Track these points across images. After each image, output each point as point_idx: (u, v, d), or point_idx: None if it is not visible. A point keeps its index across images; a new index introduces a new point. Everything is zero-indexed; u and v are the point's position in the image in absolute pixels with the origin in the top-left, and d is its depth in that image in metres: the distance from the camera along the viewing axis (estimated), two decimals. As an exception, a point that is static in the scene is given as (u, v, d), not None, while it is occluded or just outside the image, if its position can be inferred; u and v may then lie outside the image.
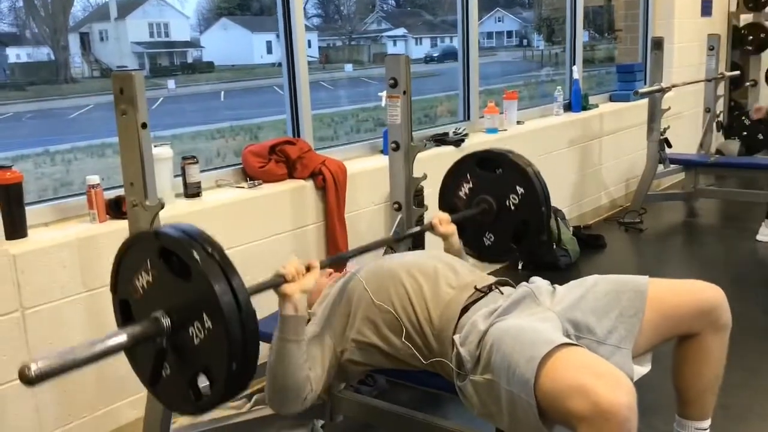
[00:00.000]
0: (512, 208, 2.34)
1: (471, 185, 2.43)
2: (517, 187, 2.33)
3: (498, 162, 2.40)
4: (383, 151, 3.35)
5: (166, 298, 1.42)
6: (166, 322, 1.40)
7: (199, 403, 1.42)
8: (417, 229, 2.28)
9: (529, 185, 2.31)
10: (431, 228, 2.26)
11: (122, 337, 1.37)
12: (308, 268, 1.73)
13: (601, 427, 1.37)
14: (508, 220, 2.36)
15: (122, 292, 1.54)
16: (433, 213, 2.34)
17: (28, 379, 1.19)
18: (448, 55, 16.70)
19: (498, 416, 1.60)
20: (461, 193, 2.45)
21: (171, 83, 12.79)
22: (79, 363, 1.28)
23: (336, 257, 1.88)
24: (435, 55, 18.06)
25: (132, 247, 1.51)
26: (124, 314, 1.54)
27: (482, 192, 2.40)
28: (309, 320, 1.88)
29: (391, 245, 2.54)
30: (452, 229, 2.27)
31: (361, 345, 1.87)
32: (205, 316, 1.34)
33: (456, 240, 2.27)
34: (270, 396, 1.80)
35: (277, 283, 1.69)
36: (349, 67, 16.70)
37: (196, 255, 1.34)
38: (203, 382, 1.40)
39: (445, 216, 2.28)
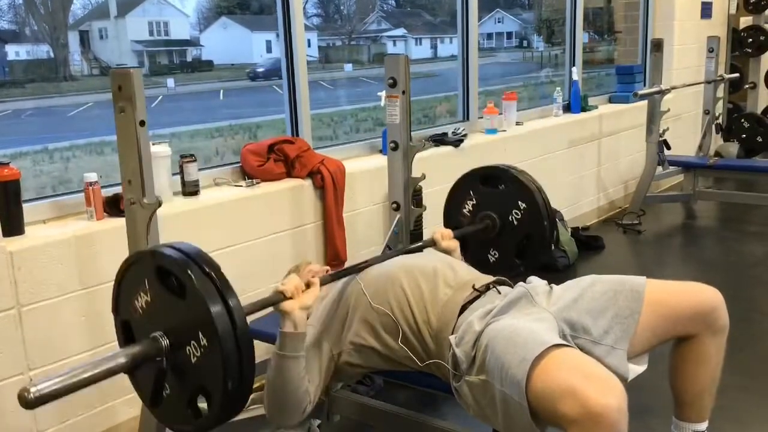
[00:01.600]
0: (515, 223, 2.35)
1: (474, 202, 2.45)
2: (520, 202, 2.34)
3: (500, 178, 2.41)
4: (382, 151, 3.35)
5: (165, 318, 1.42)
6: (164, 342, 1.40)
7: (198, 422, 1.42)
8: (419, 243, 2.30)
9: (531, 200, 2.32)
10: (433, 243, 2.25)
11: (122, 359, 1.38)
12: (308, 285, 1.74)
13: (590, 430, 1.37)
14: (511, 236, 2.37)
15: (123, 313, 1.54)
16: (436, 228, 2.33)
17: (27, 402, 1.20)
18: (274, 71, 14.63)
19: (493, 417, 1.60)
20: (465, 210, 2.46)
21: (170, 81, 12.75)
22: (80, 385, 1.29)
23: (336, 273, 1.91)
24: (260, 70, 14.74)
25: (131, 267, 1.51)
26: (127, 335, 1.55)
27: (485, 208, 2.41)
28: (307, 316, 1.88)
29: (388, 244, 2.54)
30: (455, 244, 2.26)
31: (359, 347, 1.87)
32: (200, 334, 1.34)
33: (458, 255, 2.26)
34: (269, 410, 1.81)
35: (276, 300, 1.69)
36: (348, 66, 16.68)
37: (191, 273, 1.35)
38: (203, 402, 1.40)
39: (447, 231, 2.27)
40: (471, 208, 2.45)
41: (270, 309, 1.92)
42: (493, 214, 2.40)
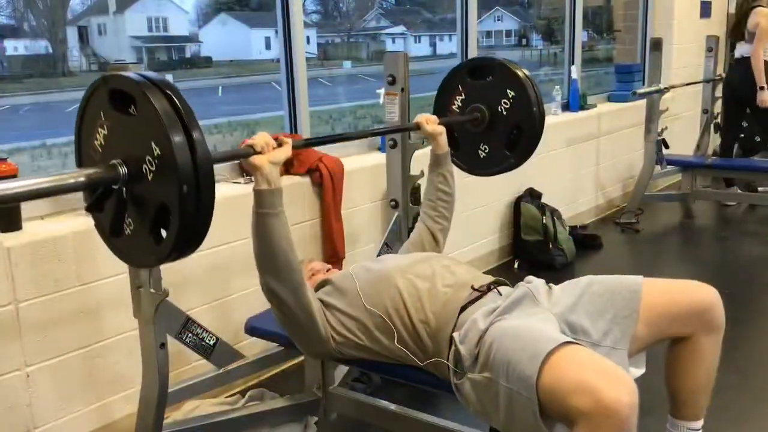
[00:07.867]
0: (505, 113, 2.31)
1: (463, 96, 2.40)
2: (509, 91, 2.29)
3: (489, 68, 2.37)
4: (380, 149, 3.34)
5: (121, 145, 1.41)
6: (123, 169, 1.39)
7: (160, 248, 1.40)
8: (403, 126, 2.25)
9: (521, 87, 2.27)
10: (417, 127, 2.24)
11: (79, 177, 1.39)
12: (280, 144, 1.75)
13: (600, 424, 1.37)
14: (501, 127, 2.33)
15: (86, 161, 1.52)
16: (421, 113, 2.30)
17: None
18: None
19: (494, 415, 1.60)
20: (454, 107, 2.42)
21: (169, 78, 12.76)
22: (35, 194, 1.33)
23: (310, 139, 1.88)
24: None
25: (87, 106, 1.49)
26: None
27: (474, 101, 2.37)
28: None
29: (387, 242, 2.54)
30: (440, 129, 2.26)
31: (352, 343, 1.88)
32: (153, 144, 1.32)
33: (444, 141, 2.25)
34: (264, 276, 1.81)
35: (246, 153, 1.69)
36: (347, 63, 16.68)
37: (139, 87, 1.33)
38: (164, 231, 1.39)
39: (433, 116, 2.26)
40: (460, 104, 2.40)
41: (269, 307, 1.92)
42: (482, 105, 2.35)
